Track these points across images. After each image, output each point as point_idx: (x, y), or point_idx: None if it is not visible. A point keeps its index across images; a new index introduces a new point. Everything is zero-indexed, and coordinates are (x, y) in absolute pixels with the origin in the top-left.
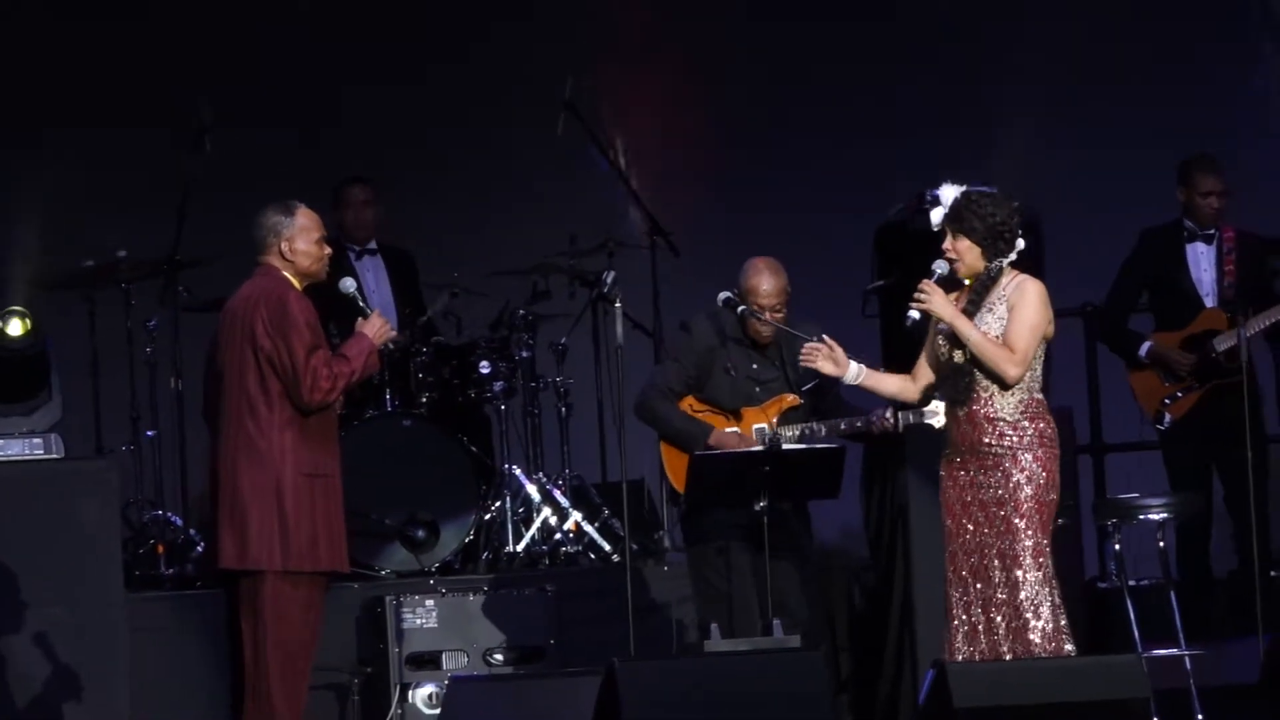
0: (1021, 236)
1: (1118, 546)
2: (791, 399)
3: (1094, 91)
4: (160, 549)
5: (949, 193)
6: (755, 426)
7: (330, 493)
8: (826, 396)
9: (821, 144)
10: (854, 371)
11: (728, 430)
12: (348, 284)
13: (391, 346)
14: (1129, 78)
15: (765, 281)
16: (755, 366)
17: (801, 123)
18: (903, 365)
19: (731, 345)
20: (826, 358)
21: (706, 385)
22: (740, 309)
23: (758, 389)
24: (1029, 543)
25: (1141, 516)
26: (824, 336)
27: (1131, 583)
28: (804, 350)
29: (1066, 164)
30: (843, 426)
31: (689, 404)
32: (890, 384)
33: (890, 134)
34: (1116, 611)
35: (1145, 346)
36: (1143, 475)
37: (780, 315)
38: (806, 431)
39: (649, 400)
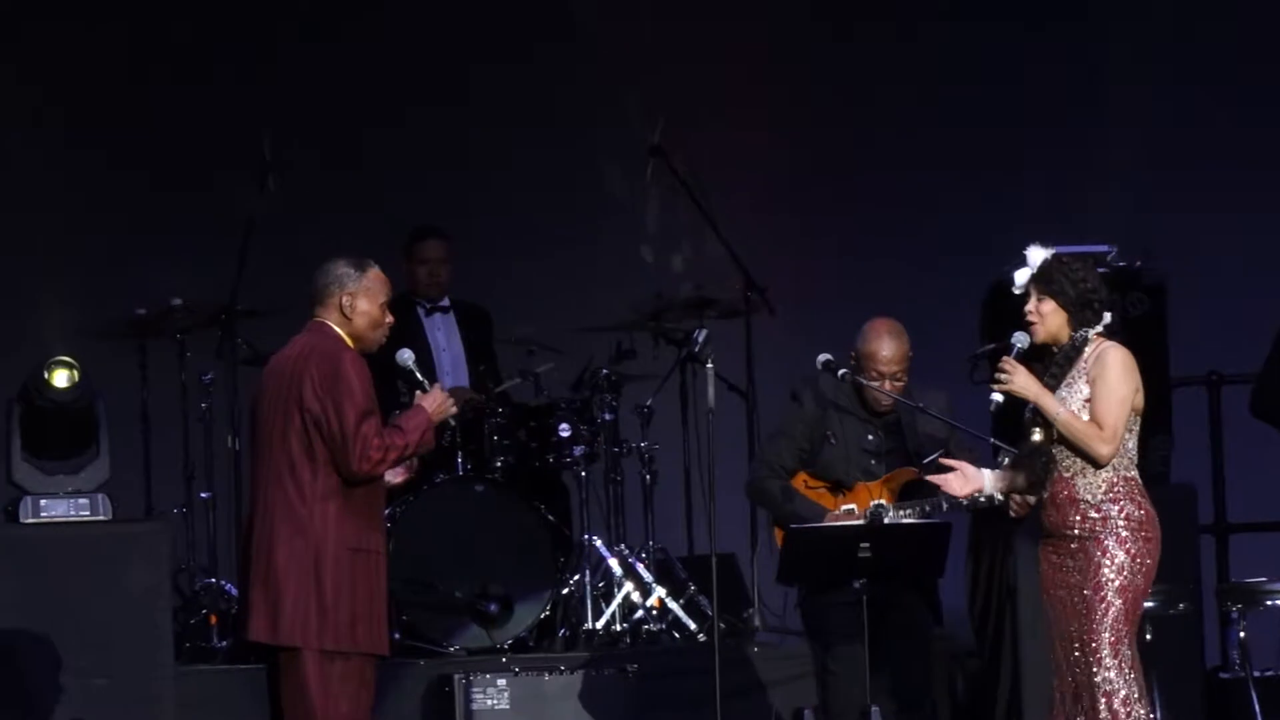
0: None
1: (1242, 634)
2: (910, 473)
3: (1219, 149)
4: (213, 619)
5: (1036, 254)
6: (872, 504)
7: (374, 571)
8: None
9: (929, 198)
10: (990, 482)
11: (842, 509)
12: (405, 356)
13: (453, 423)
14: (1254, 135)
15: (885, 346)
16: (870, 437)
17: (909, 175)
18: (1014, 437)
19: (843, 414)
20: (956, 478)
21: (818, 458)
22: (842, 373)
23: (873, 461)
24: (1106, 632)
25: (1269, 602)
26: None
27: (1256, 673)
28: (931, 479)
29: (1190, 224)
30: (964, 502)
31: (802, 480)
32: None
33: (1004, 187)
34: (1239, 704)
35: None
36: (1270, 558)
37: (901, 384)
38: (926, 508)
39: (758, 479)
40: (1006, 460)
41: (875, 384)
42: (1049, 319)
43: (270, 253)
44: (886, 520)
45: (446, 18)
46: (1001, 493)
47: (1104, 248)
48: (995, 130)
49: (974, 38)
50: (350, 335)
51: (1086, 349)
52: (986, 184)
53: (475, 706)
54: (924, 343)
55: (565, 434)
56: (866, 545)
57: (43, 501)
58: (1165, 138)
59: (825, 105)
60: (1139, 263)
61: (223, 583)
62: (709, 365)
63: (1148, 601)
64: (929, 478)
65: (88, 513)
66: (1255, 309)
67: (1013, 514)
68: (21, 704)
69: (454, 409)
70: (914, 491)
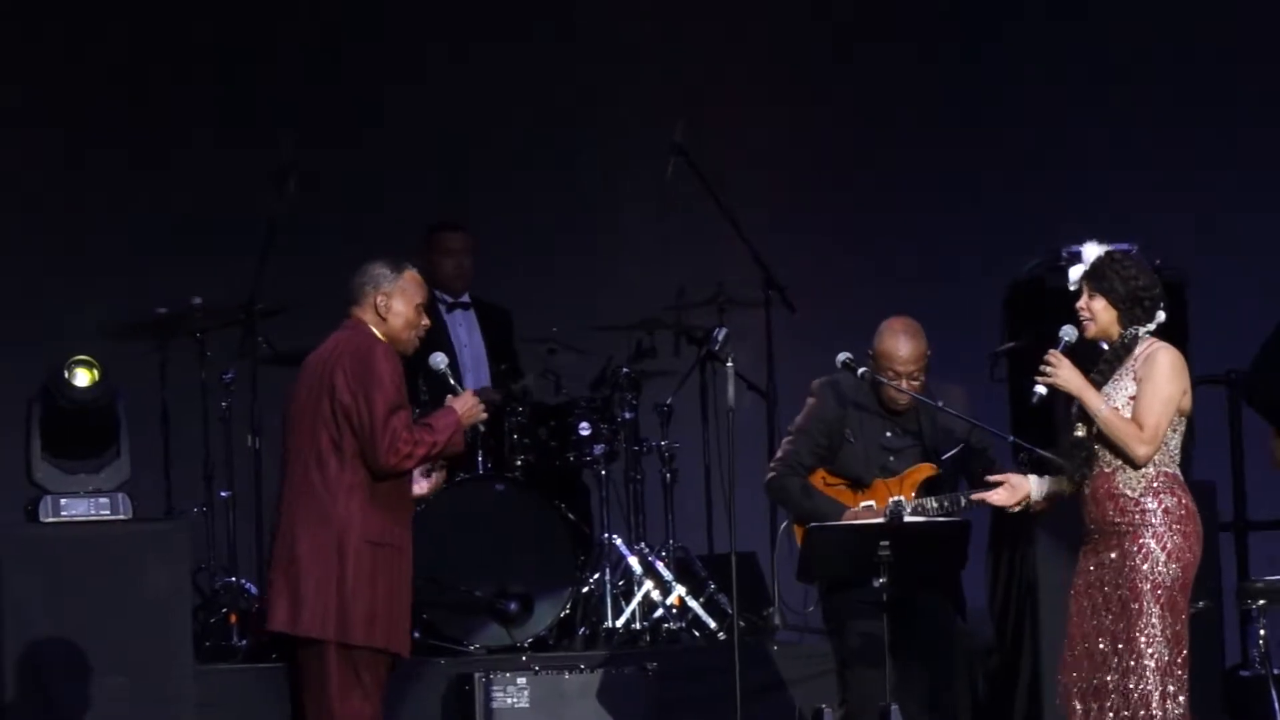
0: (1163, 306)
1: (1262, 632)
2: (929, 469)
3: (1220, 149)
4: (233, 618)
5: (1091, 250)
6: (891, 500)
7: (396, 567)
8: (978, 459)
9: (949, 196)
10: (1038, 488)
11: (861, 506)
12: (439, 360)
13: (483, 429)
14: (1255, 135)
15: (902, 346)
16: (889, 434)
17: (928, 173)
18: (1034, 434)
19: (862, 412)
20: (1003, 491)
21: (837, 456)
22: (862, 371)
23: (892, 458)
24: (1142, 626)
25: None
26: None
27: (1277, 671)
28: (974, 497)
29: (1208, 223)
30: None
31: (821, 477)
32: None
33: (1004, 187)
34: (1260, 703)
35: None
36: None
37: (918, 383)
38: (946, 503)
39: (778, 477)
40: (1027, 461)
41: (895, 383)
42: (1100, 316)
43: (292, 250)
44: (906, 516)
45: (447, 17)
46: (1048, 498)
47: (1125, 246)
48: (995, 130)
49: (974, 38)
50: (385, 335)
51: (1137, 348)
52: (986, 184)
53: (495, 705)
54: (946, 339)
55: (585, 432)
56: (886, 544)
57: (63, 501)
58: (1165, 138)
59: (826, 105)
60: (1158, 261)
61: (242, 582)
62: (729, 363)
63: None
64: (974, 495)
65: (108, 512)
66: (1267, 310)
67: (1032, 512)
68: (41, 703)
69: (484, 415)
70: (933, 488)
